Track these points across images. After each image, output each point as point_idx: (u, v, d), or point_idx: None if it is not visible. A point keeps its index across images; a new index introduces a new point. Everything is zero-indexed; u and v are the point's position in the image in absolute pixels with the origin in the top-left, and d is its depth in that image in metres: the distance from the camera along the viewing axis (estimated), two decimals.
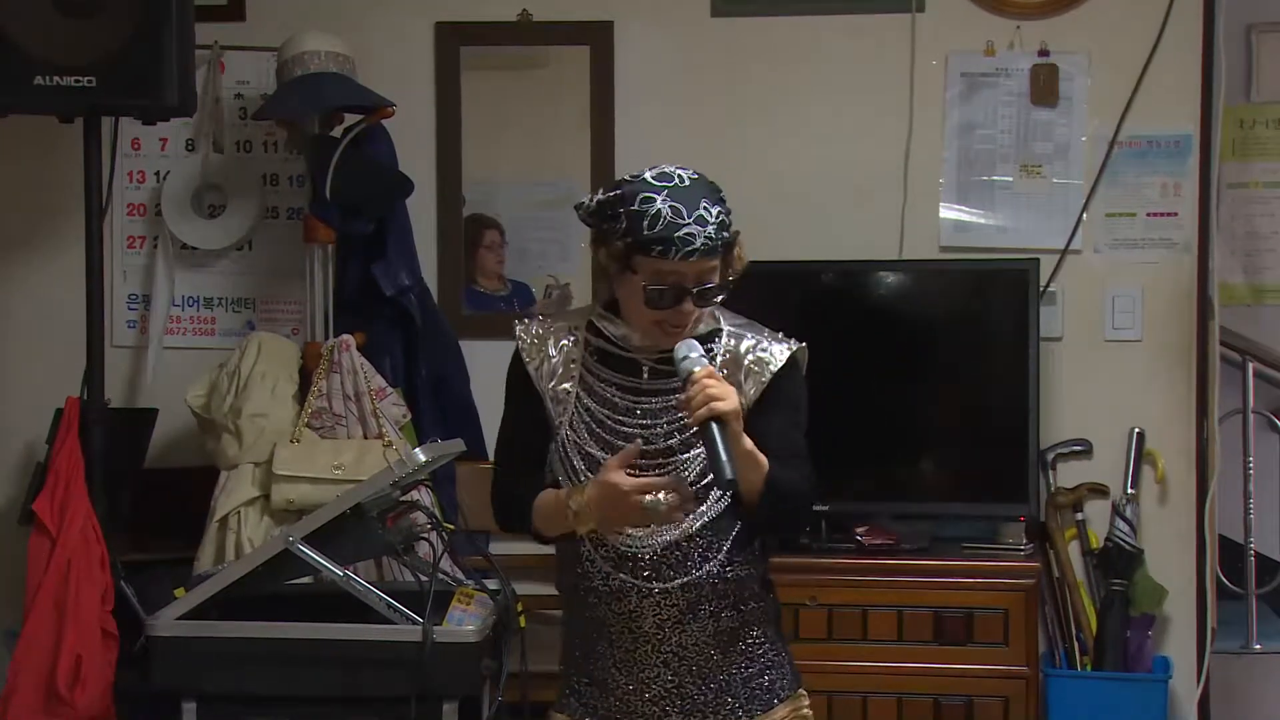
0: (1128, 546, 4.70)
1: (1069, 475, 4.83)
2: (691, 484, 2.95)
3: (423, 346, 4.79)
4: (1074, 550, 4.81)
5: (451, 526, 3.92)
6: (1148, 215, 4.83)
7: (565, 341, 3.07)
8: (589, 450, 3.01)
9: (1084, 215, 4.83)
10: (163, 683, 3.78)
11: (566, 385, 3.04)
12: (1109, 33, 4.81)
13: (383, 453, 4.39)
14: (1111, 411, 4.82)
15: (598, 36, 4.96)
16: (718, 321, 3.06)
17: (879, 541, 4.56)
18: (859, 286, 4.75)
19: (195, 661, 3.74)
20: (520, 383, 3.09)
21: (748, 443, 2.89)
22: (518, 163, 5.03)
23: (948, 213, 4.89)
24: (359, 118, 4.68)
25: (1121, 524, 4.71)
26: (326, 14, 4.89)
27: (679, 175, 2.93)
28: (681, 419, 2.95)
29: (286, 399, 4.57)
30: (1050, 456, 4.80)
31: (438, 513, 4.12)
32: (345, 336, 4.58)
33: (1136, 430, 4.78)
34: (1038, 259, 4.69)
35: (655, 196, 2.89)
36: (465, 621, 3.71)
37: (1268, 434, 5.46)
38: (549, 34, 4.98)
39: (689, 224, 2.87)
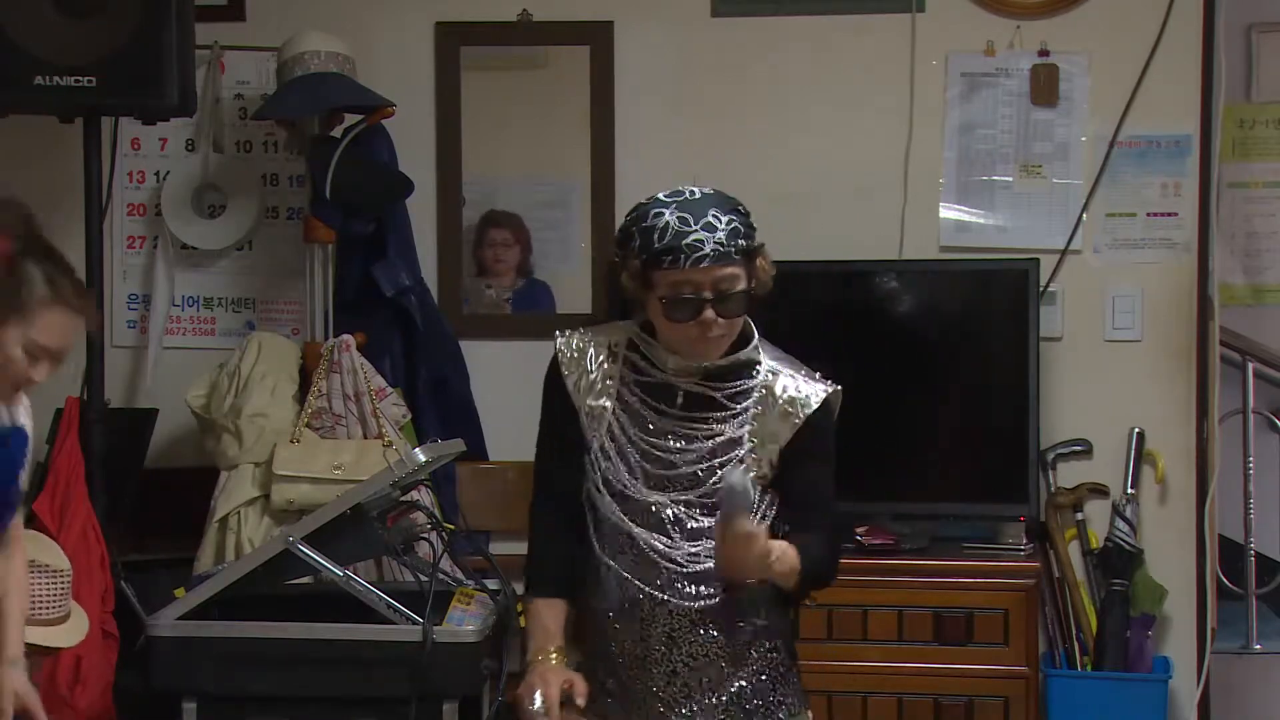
0: (1128, 546, 4.69)
1: (1069, 475, 4.83)
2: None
3: (423, 346, 4.79)
4: (1074, 550, 4.80)
5: (451, 526, 3.91)
6: (1148, 215, 4.82)
7: (604, 357, 3.06)
8: (618, 471, 3.02)
9: (1084, 215, 4.83)
10: (163, 683, 3.77)
11: (603, 401, 3.04)
12: (1109, 33, 4.81)
13: (383, 453, 4.39)
14: (1111, 411, 4.82)
15: (598, 36, 4.95)
16: (757, 353, 3.05)
17: (879, 541, 4.55)
18: (859, 286, 4.75)
19: (195, 661, 3.73)
20: (556, 395, 3.09)
21: (774, 558, 2.88)
22: (518, 163, 5.03)
23: (948, 213, 4.89)
24: (359, 118, 4.68)
25: (1121, 524, 4.71)
26: (326, 14, 4.88)
27: (690, 190, 2.96)
28: (709, 448, 2.99)
29: (286, 399, 4.57)
30: (1050, 456, 4.80)
31: (438, 513, 4.12)
32: (345, 336, 4.58)
33: (1136, 430, 4.78)
34: (1038, 259, 4.69)
35: (664, 210, 2.92)
36: (465, 621, 3.71)
37: (1268, 434, 5.46)
38: (549, 34, 4.98)
39: (696, 230, 2.88)
